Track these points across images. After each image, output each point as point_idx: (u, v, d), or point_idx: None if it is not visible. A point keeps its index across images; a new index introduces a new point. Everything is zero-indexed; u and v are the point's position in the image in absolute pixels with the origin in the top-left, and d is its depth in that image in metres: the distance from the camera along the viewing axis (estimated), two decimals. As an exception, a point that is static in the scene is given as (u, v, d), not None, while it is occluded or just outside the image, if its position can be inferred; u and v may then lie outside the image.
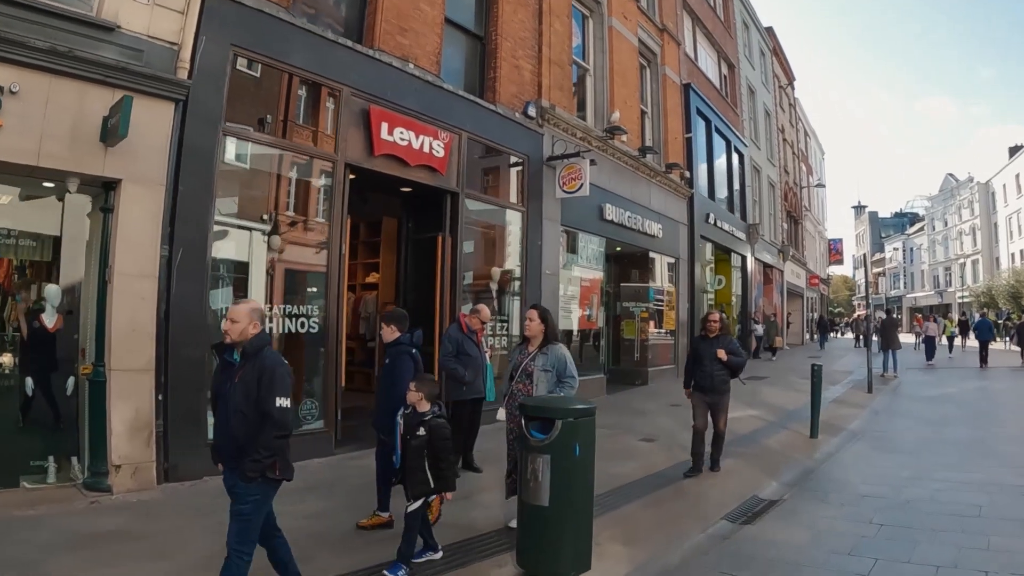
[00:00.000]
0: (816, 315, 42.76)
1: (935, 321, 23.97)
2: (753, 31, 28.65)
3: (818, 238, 46.69)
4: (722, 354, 6.84)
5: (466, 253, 9.86)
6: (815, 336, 39.21)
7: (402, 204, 10.42)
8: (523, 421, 4.38)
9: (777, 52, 34.52)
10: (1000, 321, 31.87)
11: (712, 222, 18.77)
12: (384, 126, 8.31)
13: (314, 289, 7.83)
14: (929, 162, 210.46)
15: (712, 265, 19.85)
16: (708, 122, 19.74)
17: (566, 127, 11.63)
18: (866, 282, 14.49)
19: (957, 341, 27.04)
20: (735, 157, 22.78)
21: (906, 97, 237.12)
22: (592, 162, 11.03)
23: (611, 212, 12.81)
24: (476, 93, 10.27)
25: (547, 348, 5.09)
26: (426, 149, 8.87)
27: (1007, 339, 28.82)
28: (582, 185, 10.73)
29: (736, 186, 22.86)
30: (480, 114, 10.03)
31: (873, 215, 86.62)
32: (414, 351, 5.14)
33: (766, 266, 27.31)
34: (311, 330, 7.55)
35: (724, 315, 20.09)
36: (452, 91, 9.44)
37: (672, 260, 16.20)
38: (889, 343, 17.00)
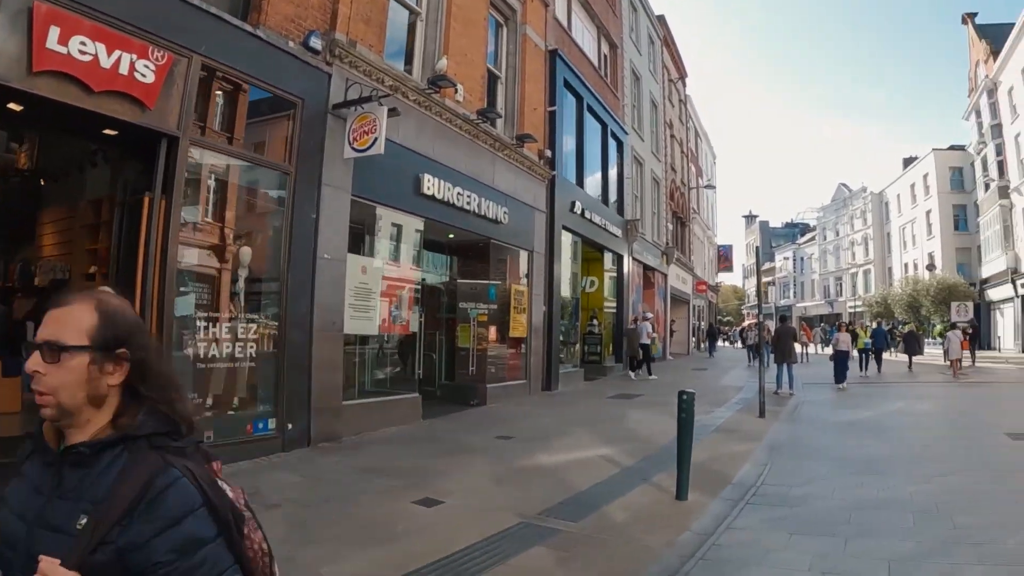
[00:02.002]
0: (704, 323, 42.43)
1: (847, 330, 19.49)
2: (642, 16, 27.39)
3: (707, 243, 46.48)
4: None
5: (193, 223, 7.16)
6: (703, 345, 38.62)
7: (105, 154, 7.62)
8: None
9: (668, 43, 33.58)
10: (892, 329, 31.99)
11: (580, 212, 16.75)
12: (55, 31, 5.63)
13: None
14: (822, 176, 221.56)
15: (575, 260, 17.69)
16: (580, 99, 17.82)
17: (369, 70, 9.12)
18: (758, 277, 12.52)
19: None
20: (613, 144, 21.06)
21: (799, 115, 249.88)
22: (393, 111, 8.59)
23: (432, 185, 10.41)
24: (235, 11, 7.61)
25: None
26: (123, 70, 6.20)
27: (893, 347, 29.55)
28: (376, 140, 8.23)
29: (613, 176, 21.06)
30: (231, 35, 7.38)
31: (764, 224, 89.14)
32: None
33: (647, 268, 25.87)
34: None
35: (597, 321, 18.40)
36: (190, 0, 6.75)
37: (524, 253, 13.93)
38: (784, 355, 15.33)
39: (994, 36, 35.14)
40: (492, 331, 12.66)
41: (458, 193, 11.09)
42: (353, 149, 8.44)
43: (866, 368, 21.47)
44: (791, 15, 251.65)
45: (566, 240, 16.59)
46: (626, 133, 22.56)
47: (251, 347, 7.60)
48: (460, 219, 11.41)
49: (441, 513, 5.50)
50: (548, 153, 14.89)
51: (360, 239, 9.52)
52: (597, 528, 5.25)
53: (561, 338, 16.28)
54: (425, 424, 9.88)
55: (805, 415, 12.26)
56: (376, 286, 9.25)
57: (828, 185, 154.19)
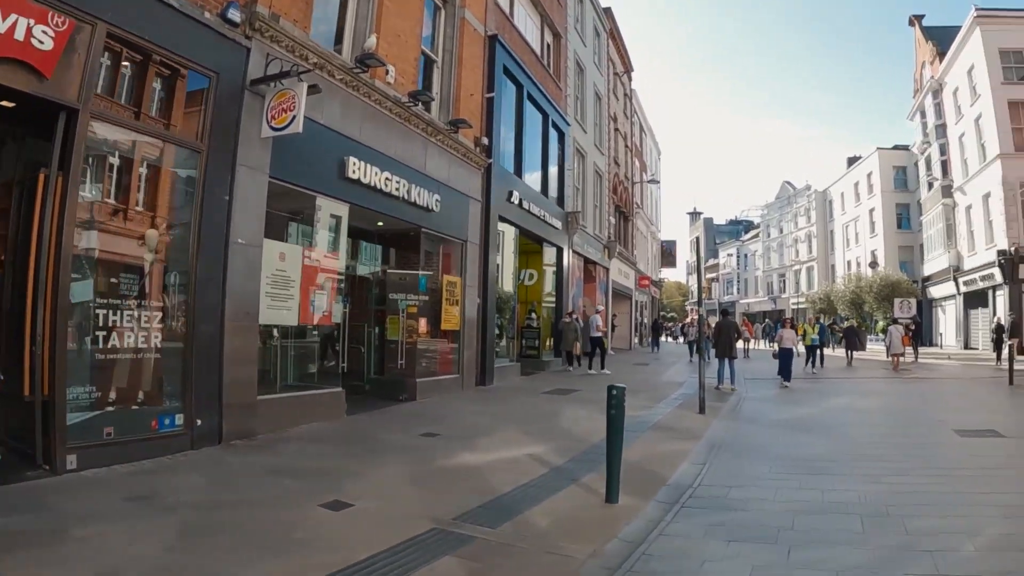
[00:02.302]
0: (647, 318, 42.99)
1: (791, 327, 18.81)
2: (588, 7, 27.53)
3: (650, 239, 47.07)
4: None
5: (93, 203, 6.78)
6: (646, 340, 39.07)
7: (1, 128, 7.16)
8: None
9: (614, 36, 33.79)
10: (832, 325, 32.84)
11: (518, 203, 16.68)
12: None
13: None
14: (766, 175, 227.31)
15: (512, 252, 17.60)
16: (520, 87, 17.72)
17: (292, 45, 8.82)
18: (699, 270, 12.48)
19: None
20: (554, 134, 21.04)
21: (745, 116, 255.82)
22: (314, 87, 8.32)
23: (358, 169, 10.15)
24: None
25: None
26: (19, 36, 5.83)
27: (833, 343, 30.97)
28: (294, 118, 7.94)
29: (553, 167, 21.01)
30: (140, 2, 7.00)
31: (709, 221, 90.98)
32: None
33: (588, 262, 25.98)
34: None
35: (535, 314, 18.33)
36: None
37: (458, 242, 13.75)
38: (726, 350, 15.31)
39: (940, 38, 36.71)
40: (423, 323, 12.46)
41: (386, 178, 10.84)
42: (271, 127, 8.13)
43: (813, 364, 21.24)
44: (737, 17, 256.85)
45: (503, 231, 16.50)
46: (568, 124, 22.56)
47: (156, 337, 7.24)
48: (389, 206, 11.16)
49: (348, 518, 5.17)
50: (485, 141, 14.73)
51: (279, 224, 9.21)
52: (516, 535, 4.89)
53: (497, 331, 16.17)
54: (348, 420, 9.62)
55: (747, 412, 12.07)
56: (295, 274, 8.93)
57: (772, 184, 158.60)
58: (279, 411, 8.71)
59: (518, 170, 17.55)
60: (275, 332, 9.29)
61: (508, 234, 17.01)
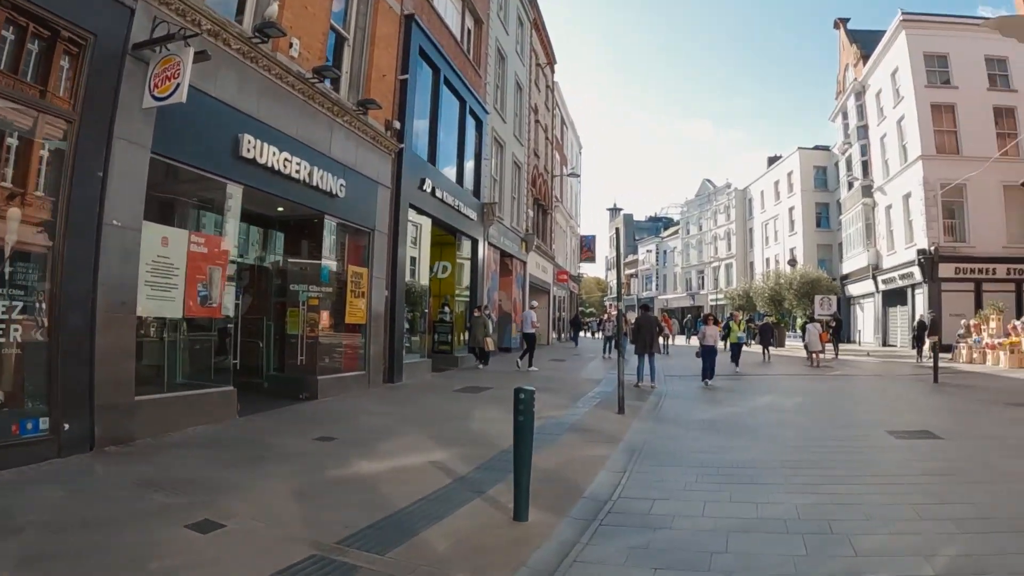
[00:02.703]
0: (566, 314, 43.32)
1: (716, 323, 18.15)
2: (512, -7, 27.04)
3: (570, 233, 47.38)
4: None
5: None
6: (565, 335, 39.28)
7: None
8: None
9: (538, 26, 33.79)
10: (749, 321, 33.78)
11: (430, 191, 16.29)
12: None
13: None
14: (686, 175, 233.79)
15: (424, 242, 17.17)
16: (437, 70, 17.33)
17: (183, 9, 8.23)
18: (618, 261, 12.35)
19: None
20: (471, 122, 20.75)
21: (668, 117, 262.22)
22: (202, 53, 7.79)
23: (254, 148, 9.58)
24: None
25: None
26: None
27: (750, 339, 31.91)
28: (178, 87, 7.37)
29: (470, 156, 20.71)
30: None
31: (628, 217, 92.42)
32: None
33: (505, 255, 25.85)
34: None
35: (448, 308, 17.97)
36: None
37: (364, 231, 13.27)
38: (646, 346, 15.11)
39: (864, 41, 38.49)
40: (325, 317, 11.95)
41: (286, 159, 10.28)
42: (153, 97, 7.51)
43: (738, 362, 20.38)
44: (657, 22, 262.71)
45: (415, 220, 16.13)
46: (487, 112, 22.30)
47: (17, 330, 6.54)
48: (289, 189, 10.61)
49: (216, 542, 4.57)
50: (397, 125, 14.27)
51: (162, 206, 8.60)
52: (408, 563, 4.31)
53: (408, 326, 15.77)
54: (240, 422, 9.05)
55: (668, 412, 11.78)
56: (180, 261, 8.32)
57: (692, 185, 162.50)
58: (162, 413, 8.09)
59: (432, 157, 17.17)
60: (163, 325, 8.66)
61: (420, 224, 16.62)
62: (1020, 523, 5.20)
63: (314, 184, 11.09)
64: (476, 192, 21.38)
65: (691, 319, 45.48)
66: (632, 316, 20.10)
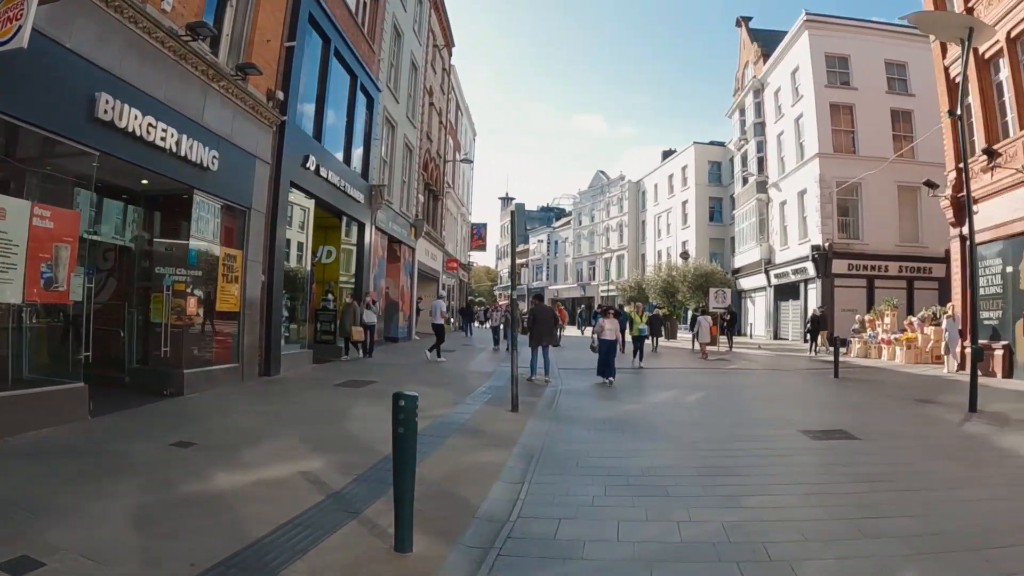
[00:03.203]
0: (456, 302, 42.91)
1: (617, 315, 16.86)
2: (411, -29, 26.23)
3: (460, 220, 46.99)
4: None
5: None
6: (456, 324, 38.80)
7: None
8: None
9: (437, 7, 33.26)
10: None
11: (314, 169, 15.42)
12: None
13: None
14: (578, 168, 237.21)
15: (307, 224, 16.32)
16: (327, 41, 16.48)
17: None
18: (512, 246, 11.92)
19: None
20: (362, 99, 19.94)
21: (561, 109, 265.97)
22: (49, -4, 6.71)
23: (113, 110, 8.55)
24: None
25: None
26: None
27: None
28: (20, 30, 6.36)
29: (359, 134, 19.89)
30: None
31: (520, 207, 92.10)
32: None
33: (393, 240, 25.14)
34: None
35: (332, 295, 17.16)
36: None
37: (240, 209, 12.35)
38: (540, 338, 14.58)
39: (765, 40, 40.08)
40: (193, 303, 10.96)
41: (150, 125, 9.24)
42: (-13, 42, 6.49)
43: (640, 357, 19.28)
44: (552, 16, 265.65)
45: (297, 200, 15.23)
46: (379, 90, 21.52)
47: None
48: (153, 159, 9.56)
49: None
50: (280, 95, 13.34)
51: (-4, 171, 7.49)
52: None
53: (287, 314, 14.89)
54: (90, 424, 7.99)
55: (565, 409, 11.15)
56: (20, 237, 7.25)
57: (582, 177, 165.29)
58: (-7, 413, 7.05)
59: (318, 134, 16.28)
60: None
61: (303, 205, 15.73)
62: (976, 539, 4.76)
63: (183, 154, 10.06)
64: (364, 174, 20.55)
65: (585, 309, 45.73)
66: (524, 306, 19.82)
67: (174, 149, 9.86)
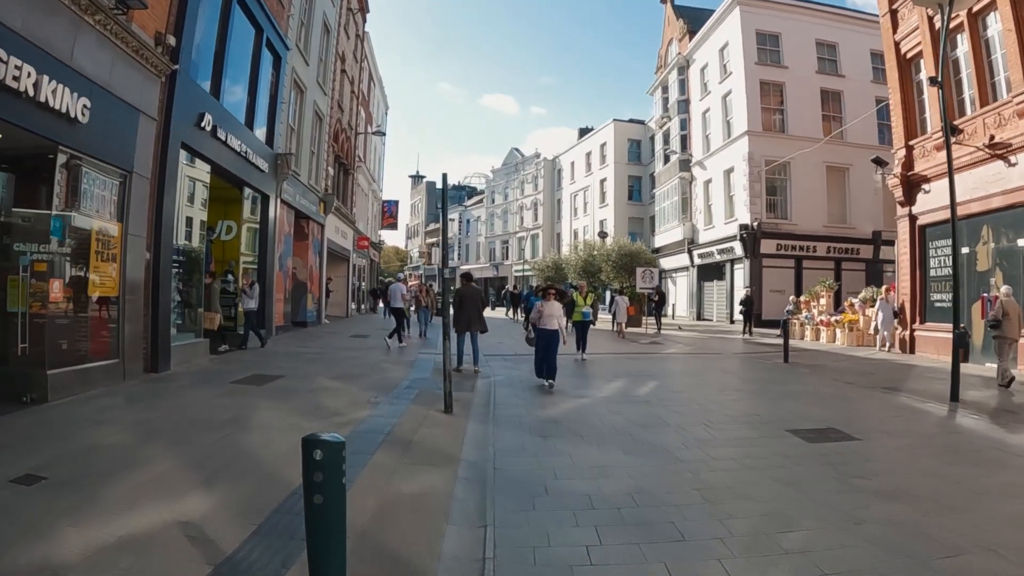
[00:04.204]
0: (366, 283, 41.22)
1: (562, 296, 14.91)
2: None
3: (372, 197, 45.05)
4: None
5: None
6: (365, 307, 36.93)
7: None
8: None
9: (353, -36, 30.89)
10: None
11: (211, 130, 13.52)
12: None
13: None
14: (490, 148, 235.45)
15: (202, 194, 14.31)
16: (230, -12, 14.41)
17: None
18: (444, 223, 10.47)
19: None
20: (268, 57, 18.00)
21: (470, 89, 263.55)
22: None
23: (-59, 35, 6.62)
24: None
25: None
26: None
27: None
28: None
29: (264, 96, 17.92)
30: None
31: (431, 185, 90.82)
32: None
33: (301, 216, 23.17)
34: None
35: (233, 276, 15.31)
36: None
37: (118, 173, 10.40)
38: (468, 324, 13.17)
39: (690, 18, 39.98)
40: (58, 287, 9.03)
41: (0, 60, 7.38)
42: None
43: (584, 348, 16.80)
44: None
45: (190, 165, 13.33)
46: (287, 49, 19.58)
47: None
48: (5, 105, 7.64)
49: None
50: (172, 40, 11.41)
51: None
52: None
53: (179, 299, 13.02)
54: None
55: (506, 408, 9.79)
56: None
57: (494, 156, 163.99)
58: None
59: (216, 90, 14.27)
60: None
61: (197, 170, 13.76)
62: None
63: (43, 100, 8.11)
64: (269, 141, 18.60)
65: (508, 292, 43.99)
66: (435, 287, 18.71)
67: (31, 92, 7.90)
